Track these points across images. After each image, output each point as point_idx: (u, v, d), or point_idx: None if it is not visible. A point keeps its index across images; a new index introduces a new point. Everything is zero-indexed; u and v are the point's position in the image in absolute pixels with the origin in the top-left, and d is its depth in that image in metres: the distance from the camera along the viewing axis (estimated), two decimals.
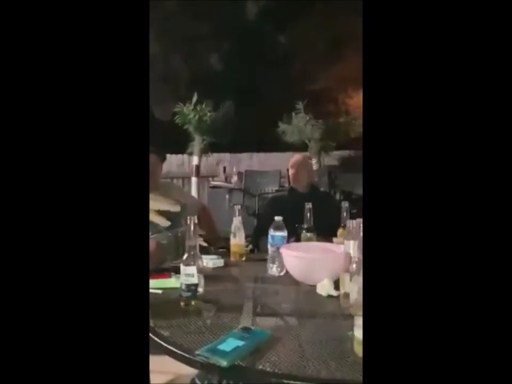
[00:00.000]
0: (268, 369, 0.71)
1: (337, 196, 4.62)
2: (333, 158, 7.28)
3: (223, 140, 5.92)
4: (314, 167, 5.95)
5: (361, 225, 1.05)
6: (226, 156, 7.64)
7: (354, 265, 1.00)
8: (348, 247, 1.04)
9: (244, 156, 8.28)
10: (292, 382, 0.69)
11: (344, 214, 1.56)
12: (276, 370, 0.71)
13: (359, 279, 0.78)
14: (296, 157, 2.27)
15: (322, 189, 3.87)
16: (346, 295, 1.00)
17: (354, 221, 1.07)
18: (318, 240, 1.56)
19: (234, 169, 5.47)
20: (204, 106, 5.49)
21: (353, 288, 0.92)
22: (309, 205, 1.59)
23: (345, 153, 7.99)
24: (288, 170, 2.29)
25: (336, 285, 1.09)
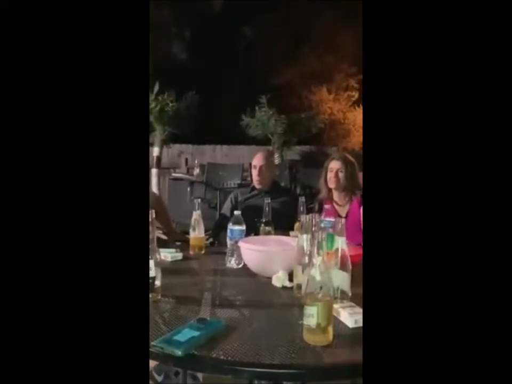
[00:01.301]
0: (222, 357, 0.75)
1: (298, 190, 4.74)
2: (294, 153, 7.43)
3: (186, 131, 5.83)
4: (277, 161, 6.05)
5: (314, 219, 1.11)
6: (188, 148, 7.55)
7: (306, 258, 1.06)
8: (302, 240, 1.09)
9: (207, 148, 8.22)
10: (244, 368, 0.73)
11: (301, 208, 1.63)
12: (229, 358, 0.74)
13: (310, 271, 0.83)
14: (258, 155, 2.28)
15: (283, 184, 3.95)
16: (299, 286, 1.06)
17: (307, 216, 1.13)
18: (276, 233, 1.62)
19: (196, 161, 5.42)
20: (165, 96, 5.38)
21: (305, 279, 0.97)
22: (268, 200, 1.64)
23: (306, 148, 8.19)
24: (250, 165, 2.31)
25: (291, 276, 1.15)
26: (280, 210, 2.12)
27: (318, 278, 0.80)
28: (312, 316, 0.78)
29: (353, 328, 0.86)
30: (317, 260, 0.82)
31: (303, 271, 1.05)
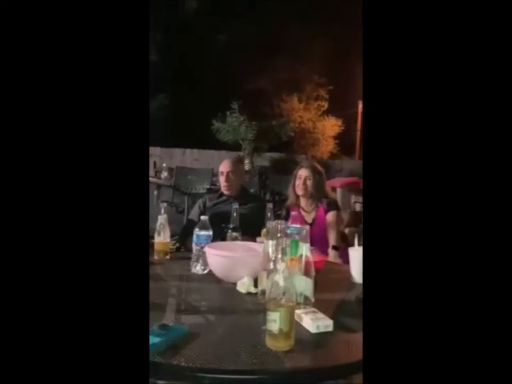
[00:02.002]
0: (183, 364, 0.74)
1: (267, 197, 4.78)
2: (265, 159, 7.50)
3: (154, 133, 5.73)
4: (247, 167, 6.08)
5: (280, 226, 1.12)
6: (156, 150, 7.41)
7: (271, 264, 1.07)
8: (267, 246, 1.11)
9: (177, 151, 8.11)
10: (205, 374, 0.72)
11: (269, 214, 1.65)
12: (191, 365, 0.74)
13: (274, 277, 0.84)
14: (226, 162, 2.29)
15: (252, 190, 3.98)
16: (263, 292, 1.07)
17: (273, 222, 1.14)
18: (243, 239, 1.62)
19: (164, 165, 5.34)
20: None
21: (269, 285, 0.98)
22: (235, 206, 1.65)
23: (276, 155, 8.28)
24: (219, 171, 2.31)
25: (256, 282, 1.15)
26: (248, 217, 2.13)
27: (281, 283, 0.81)
28: (274, 321, 0.79)
29: (314, 334, 0.88)
30: (281, 266, 0.83)
31: (268, 277, 1.06)
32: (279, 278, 0.81)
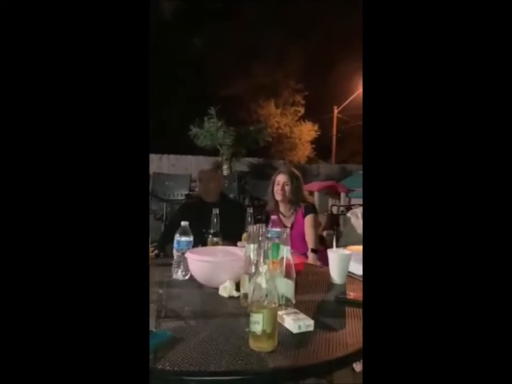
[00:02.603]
0: (168, 368, 0.75)
1: (246, 201, 4.80)
2: (243, 164, 7.52)
3: None
4: (225, 172, 6.09)
5: (261, 229, 1.15)
6: None
7: (253, 267, 1.09)
8: (249, 250, 1.13)
9: (153, 157, 8.01)
10: (191, 377, 0.73)
11: (249, 219, 1.67)
12: (175, 368, 0.74)
13: (256, 279, 0.86)
14: (204, 170, 2.31)
15: (232, 195, 3.99)
16: (246, 296, 1.08)
17: (255, 226, 1.16)
18: (223, 244, 1.64)
19: None
20: None
21: (251, 288, 1.00)
22: (216, 211, 1.66)
23: (254, 160, 8.33)
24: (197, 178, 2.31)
25: (238, 286, 1.17)
26: (228, 222, 2.14)
27: (264, 285, 0.83)
28: (257, 322, 0.80)
29: (296, 334, 0.91)
30: (263, 269, 0.85)
31: (249, 281, 1.07)
32: (262, 281, 0.84)
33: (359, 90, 13.11)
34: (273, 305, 0.82)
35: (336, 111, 13.45)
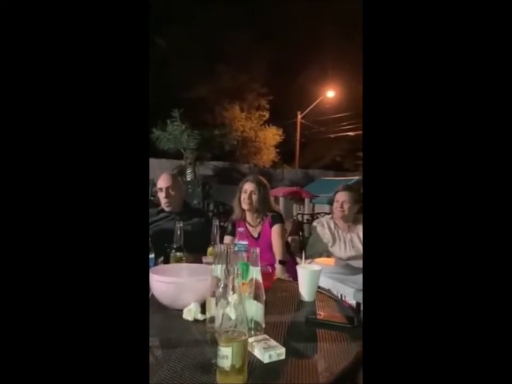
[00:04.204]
0: None
1: (211, 207, 4.70)
2: (208, 168, 7.41)
3: None
4: (189, 177, 5.95)
5: (228, 249, 1.08)
6: None
7: (220, 289, 1.02)
8: (216, 270, 1.06)
9: None
10: None
11: (215, 231, 1.59)
12: None
13: (225, 309, 0.79)
14: (164, 176, 2.17)
15: (195, 202, 3.88)
16: (212, 319, 1.01)
17: (222, 245, 1.10)
18: (188, 258, 1.55)
19: None
20: None
21: (219, 313, 0.93)
22: (179, 224, 1.57)
23: (220, 164, 8.24)
24: (157, 188, 2.19)
25: (203, 308, 1.09)
26: (192, 233, 2.05)
27: (232, 316, 0.77)
28: (226, 357, 0.74)
29: (267, 364, 0.85)
30: (232, 298, 0.79)
31: (216, 303, 1.01)
32: (230, 311, 0.77)
33: (322, 96, 13.41)
34: (243, 338, 0.76)
35: (299, 116, 13.65)
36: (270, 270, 2.04)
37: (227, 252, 1.07)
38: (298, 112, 13.67)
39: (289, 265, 2.04)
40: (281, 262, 2.03)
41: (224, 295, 0.95)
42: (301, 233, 2.80)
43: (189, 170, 6.09)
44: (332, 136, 14.27)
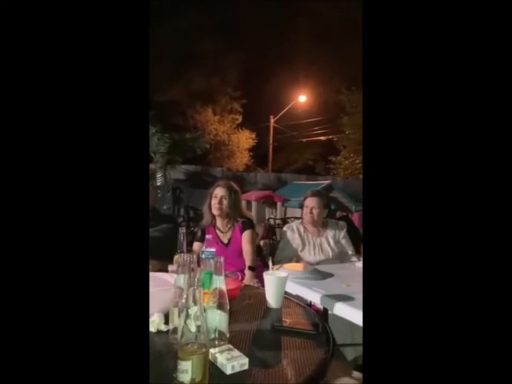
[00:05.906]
0: None
1: (181, 212, 4.63)
2: (179, 172, 7.30)
3: None
4: (159, 182, 5.83)
5: (192, 259, 1.06)
6: None
7: (183, 300, 1.00)
8: (179, 281, 1.03)
9: None
10: None
11: (181, 238, 1.56)
12: None
13: (186, 321, 0.77)
14: None
15: (165, 207, 3.81)
16: (175, 331, 0.99)
17: (186, 255, 1.07)
18: (155, 266, 1.51)
19: None
20: None
21: (181, 325, 0.91)
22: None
23: (191, 167, 8.14)
24: None
25: (167, 318, 1.07)
26: (160, 239, 2.00)
27: (192, 329, 0.75)
28: (186, 371, 0.72)
29: (229, 375, 0.83)
30: (192, 310, 0.77)
31: (179, 314, 0.98)
32: (190, 323, 0.75)
33: (294, 101, 13.58)
34: (203, 350, 0.74)
35: (272, 120, 13.76)
36: (240, 277, 2.04)
37: (190, 261, 1.05)
38: (271, 116, 13.78)
39: (260, 270, 2.04)
40: (250, 268, 2.02)
41: (187, 305, 0.93)
42: (273, 237, 2.81)
43: (159, 175, 5.97)
44: (304, 140, 14.48)
